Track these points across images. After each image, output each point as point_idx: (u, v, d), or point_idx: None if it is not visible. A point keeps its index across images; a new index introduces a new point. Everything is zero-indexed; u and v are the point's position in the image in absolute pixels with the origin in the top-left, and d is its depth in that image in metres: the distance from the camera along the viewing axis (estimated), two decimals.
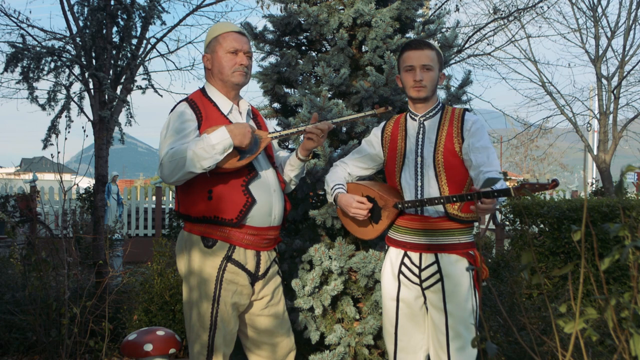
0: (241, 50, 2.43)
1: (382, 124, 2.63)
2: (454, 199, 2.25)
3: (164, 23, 5.42)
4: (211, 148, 2.19)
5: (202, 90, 2.50)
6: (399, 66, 2.49)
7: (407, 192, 2.44)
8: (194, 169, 2.21)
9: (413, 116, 2.50)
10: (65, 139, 3.99)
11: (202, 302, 2.36)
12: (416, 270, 2.41)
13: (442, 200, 2.28)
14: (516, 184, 2.10)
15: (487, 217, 9.17)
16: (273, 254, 2.55)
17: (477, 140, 2.35)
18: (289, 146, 3.28)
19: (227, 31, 2.45)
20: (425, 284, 2.40)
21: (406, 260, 2.44)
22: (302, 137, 2.56)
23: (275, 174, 2.53)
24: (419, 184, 2.41)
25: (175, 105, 2.43)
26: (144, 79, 5.32)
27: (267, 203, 2.40)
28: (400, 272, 2.45)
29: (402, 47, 2.49)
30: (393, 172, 2.50)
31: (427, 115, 2.47)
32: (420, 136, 2.46)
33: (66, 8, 4.94)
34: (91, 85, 4.92)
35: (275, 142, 2.73)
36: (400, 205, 2.41)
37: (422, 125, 2.47)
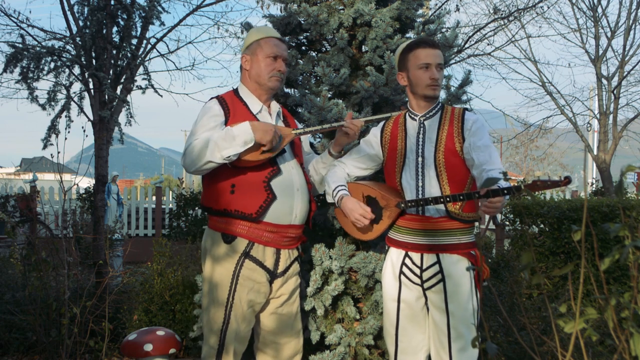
0: (281, 56, 2.50)
1: (381, 123, 2.62)
2: (461, 197, 2.23)
3: (163, 23, 5.42)
4: (232, 139, 2.24)
5: (235, 91, 2.56)
6: (408, 63, 2.44)
7: (407, 193, 2.42)
8: (214, 159, 2.26)
9: (413, 116, 2.49)
10: (65, 139, 4.00)
11: (218, 298, 2.39)
12: (417, 271, 2.40)
13: (448, 199, 2.26)
14: (516, 183, 2.08)
15: (487, 217, 9.14)
16: (295, 252, 2.56)
17: (478, 139, 2.34)
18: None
19: (269, 36, 2.52)
20: (426, 285, 2.39)
21: (407, 261, 2.43)
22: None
23: (302, 173, 2.54)
24: (420, 184, 2.39)
25: (206, 102, 2.50)
26: (144, 79, 5.32)
27: (288, 201, 2.42)
28: (401, 272, 2.44)
29: (410, 45, 2.45)
30: (393, 172, 2.49)
31: (427, 115, 2.46)
32: (421, 136, 2.44)
33: (66, 8, 4.94)
34: (91, 85, 4.92)
35: (306, 145, 2.76)
36: (402, 205, 2.40)
37: (422, 125, 2.46)
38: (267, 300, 2.49)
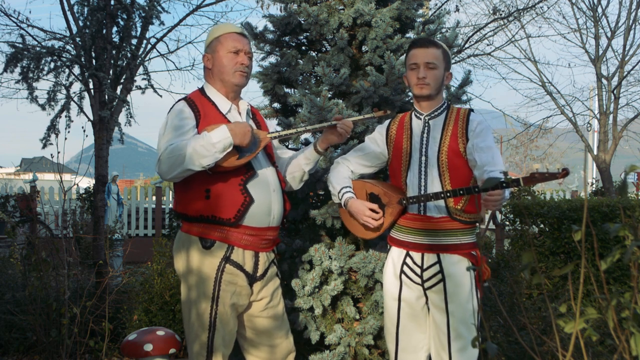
0: (242, 50, 2.43)
1: (387, 122, 2.62)
2: (461, 192, 2.24)
3: (163, 23, 5.41)
4: (211, 146, 2.18)
5: (201, 90, 2.50)
6: (405, 65, 2.49)
7: (410, 191, 2.43)
8: (192, 167, 2.20)
9: (418, 115, 2.50)
10: (65, 139, 3.99)
11: (201, 303, 2.35)
12: (418, 270, 2.41)
13: (448, 194, 2.27)
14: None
15: (487, 217, 9.15)
16: (272, 255, 2.53)
17: (481, 141, 2.35)
18: (289, 146, 3.27)
19: (228, 32, 2.45)
20: (427, 284, 2.40)
21: (408, 260, 2.44)
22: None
23: (276, 173, 2.51)
24: (423, 183, 2.40)
25: (174, 104, 2.43)
26: (143, 79, 5.31)
27: (265, 202, 2.38)
28: (402, 272, 2.44)
29: (408, 46, 2.49)
30: (399, 171, 2.49)
31: (433, 115, 2.47)
32: (425, 135, 2.45)
33: (66, 8, 4.93)
34: (91, 85, 4.91)
35: (275, 142, 2.72)
36: (404, 201, 2.40)
37: (427, 125, 2.47)
38: (250, 303, 2.45)
